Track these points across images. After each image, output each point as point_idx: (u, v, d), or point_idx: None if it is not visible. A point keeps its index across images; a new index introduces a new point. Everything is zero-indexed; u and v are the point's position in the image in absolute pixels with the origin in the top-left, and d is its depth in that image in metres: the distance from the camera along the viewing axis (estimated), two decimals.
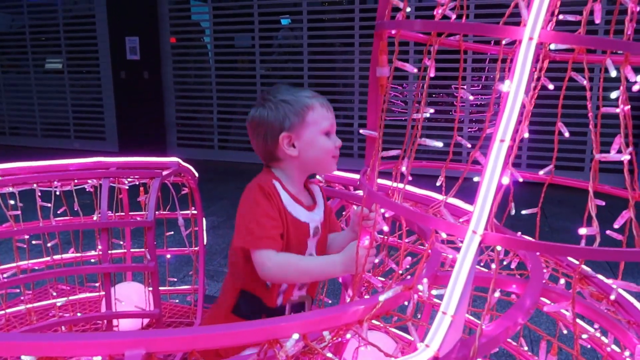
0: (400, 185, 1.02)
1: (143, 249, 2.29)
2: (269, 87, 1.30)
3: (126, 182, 1.98)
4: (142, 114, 6.60)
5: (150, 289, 2.18)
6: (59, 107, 7.31)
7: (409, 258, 0.94)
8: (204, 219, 2.26)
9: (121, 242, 2.26)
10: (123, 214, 2.18)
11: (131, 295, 2.06)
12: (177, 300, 2.45)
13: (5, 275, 1.81)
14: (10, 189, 1.86)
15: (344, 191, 1.70)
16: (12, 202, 1.85)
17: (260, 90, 6.29)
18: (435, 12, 0.95)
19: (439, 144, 0.83)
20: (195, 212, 2.23)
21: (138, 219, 2.16)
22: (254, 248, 1.15)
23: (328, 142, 1.26)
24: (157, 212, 1.99)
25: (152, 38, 6.43)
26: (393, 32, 0.93)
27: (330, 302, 1.73)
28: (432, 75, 0.86)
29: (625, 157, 0.75)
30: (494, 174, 0.72)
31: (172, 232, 2.35)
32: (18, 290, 1.96)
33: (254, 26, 6.18)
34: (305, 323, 0.73)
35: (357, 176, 1.82)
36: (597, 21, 0.83)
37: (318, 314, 0.76)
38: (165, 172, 1.94)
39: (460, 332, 0.67)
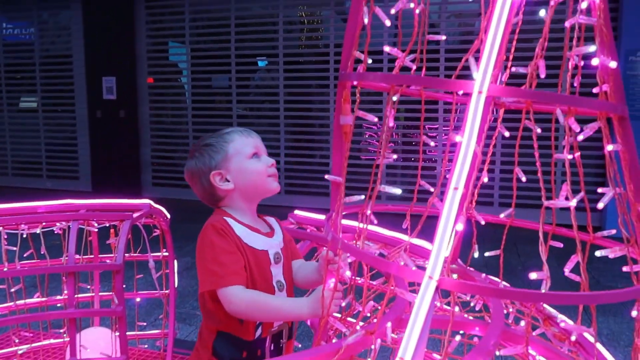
0: (365, 227, 1.05)
1: (111, 293, 2.24)
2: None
3: (96, 224, 1.96)
4: (117, 153, 6.56)
5: (118, 334, 2.12)
6: (32, 145, 7.22)
7: (372, 303, 0.95)
8: (175, 261, 2.23)
9: (89, 286, 2.21)
10: (92, 256, 2.15)
11: (98, 341, 2.00)
12: (146, 345, 2.39)
13: None
14: None
15: (315, 233, 1.72)
16: None
17: None
18: (395, 64, 1.00)
19: (397, 191, 0.86)
20: (166, 254, 2.21)
21: (108, 261, 2.12)
22: (219, 287, 1.15)
23: (258, 164, 1.30)
24: (127, 255, 1.96)
25: (129, 78, 6.47)
26: (355, 82, 0.98)
27: (300, 345, 1.71)
28: (390, 124, 0.90)
29: (572, 204, 0.79)
30: (449, 220, 0.75)
31: (142, 275, 2.31)
32: None
33: (231, 67, 6.29)
34: None
35: (320, 217, 1.85)
36: (542, 76, 0.89)
37: (284, 359, 0.76)
38: (135, 215, 1.93)
39: None
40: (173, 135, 6.63)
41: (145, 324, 2.48)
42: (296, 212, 1.88)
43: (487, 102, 0.91)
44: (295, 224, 1.84)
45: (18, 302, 1.86)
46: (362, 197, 0.94)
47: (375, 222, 1.06)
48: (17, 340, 2.12)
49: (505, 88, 0.80)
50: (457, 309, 1.16)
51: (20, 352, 1.93)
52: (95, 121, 6.60)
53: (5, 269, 1.87)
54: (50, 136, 7.17)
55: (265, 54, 6.40)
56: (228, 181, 1.27)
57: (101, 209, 2.02)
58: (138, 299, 2.24)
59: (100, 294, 2.27)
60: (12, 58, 7.24)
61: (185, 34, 6.45)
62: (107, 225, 2.06)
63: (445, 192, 0.79)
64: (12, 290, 1.84)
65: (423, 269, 0.81)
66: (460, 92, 1.07)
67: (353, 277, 1.08)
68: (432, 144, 1.00)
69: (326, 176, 1.05)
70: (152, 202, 2.08)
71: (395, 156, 1.02)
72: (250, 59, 6.36)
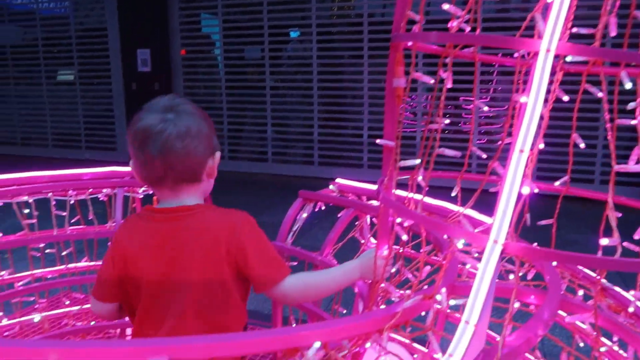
0: (418, 196, 1.03)
1: None
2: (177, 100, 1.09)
3: (140, 191, 2.00)
4: None
5: None
6: (71, 118, 7.40)
7: (428, 267, 0.94)
8: None
9: None
10: None
11: None
12: None
13: (20, 284, 1.83)
14: (26, 198, 1.89)
15: (358, 201, 1.71)
16: (27, 210, 1.87)
17: (269, 102, 6.33)
18: (449, 25, 0.96)
19: (456, 153, 0.83)
20: None
21: None
22: (282, 278, 1.06)
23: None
24: None
25: (163, 50, 6.51)
26: (409, 44, 0.94)
27: (344, 311, 1.73)
28: (449, 86, 0.87)
29: None
30: (514, 184, 0.73)
31: None
32: (32, 299, 1.97)
33: (264, 38, 6.24)
34: (326, 331, 0.74)
35: (369, 186, 1.83)
36: (613, 34, 0.83)
37: (339, 322, 0.76)
38: None
39: (483, 342, 0.67)
40: (206, 107, 6.67)
41: None
42: (338, 180, 1.88)
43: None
44: (337, 192, 1.84)
45: (69, 266, 1.93)
46: (418, 160, 0.92)
47: (427, 188, 1.04)
48: (67, 302, 2.21)
49: (576, 46, 0.76)
50: (511, 276, 1.14)
51: (72, 312, 2.01)
52: (131, 93, 6.69)
53: (55, 233, 1.94)
54: (88, 108, 7.32)
55: (297, 24, 6.32)
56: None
57: None
58: None
59: None
60: (49, 32, 7.37)
61: (217, 6, 6.42)
62: (150, 193, 2.10)
63: (509, 156, 0.76)
64: (64, 253, 1.91)
65: (484, 233, 0.79)
66: (518, 54, 1.03)
67: (403, 244, 1.07)
68: (486, 108, 0.95)
69: (378, 141, 1.03)
70: None
71: (447, 120, 0.99)
72: (282, 30, 6.29)
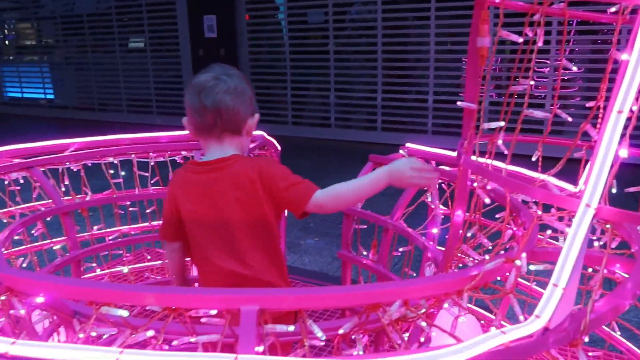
0: (497, 162, 1.01)
1: None
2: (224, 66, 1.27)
3: None
4: None
5: None
6: (143, 84, 7.72)
7: (510, 231, 0.93)
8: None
9: None
10: None
11: None
12: None
13: (109, 238, 1.97)
14: (111, 159, 2.02)
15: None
16: (112, 171, 2.00)
17: (333, 66, 6.29)
18: None
19: (546, 115, 0.81)
20: None
21: None
22: (314, 192, 1.15)
23: None
24: None
25: (228, 16, 6.58)
26: (497, 0, 0.91)
27: (414, 274, 1.74)
28: (540, 44, 0.83)
29: None
30: (611, 145, 0.70)
31: None
32: (120, 252, 2.13)
33: (328, 1, 6.15)
34: (408, 290, 0.75)
35: (439, 151, 1.80)
36: None
37: (420, 281, 0.77)
38: (251, 145, 2.01)
39: (571, 306, 0.66)
40: (271, 72, 6.73)
41: None
42: (408, 144, 1.86)
43: None
44: (406, 156, 1.82)
45: (153, 223, 2.06)
46: (501, 123, 0.89)
47: (506, 152, 1.02)
48: (149, 257, 2.38)
49: None
50: (595, 244, 1.11)
51: (156, 266, 2.15)
52: (198, 60, 6.86)
53: (136, 192, 2.07)
54: (158, 75, 7.59)
55: None
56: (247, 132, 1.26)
57: None
58: None
59: None
60: (121, 0, 7.63)
61: None
62: None
63: (605, 117, 0.73)
64: (148, 211, 2.04)
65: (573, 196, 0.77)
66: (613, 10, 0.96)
67: (479, 209, 1.06)
68: (575, 68, 0.91)
69: (459, 103, 1.01)
70: (265, 134, 2.16)
71: (532, 82, 0.96)
72: None
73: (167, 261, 1.29)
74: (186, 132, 2.17)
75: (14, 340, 0.58)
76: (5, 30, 9.13)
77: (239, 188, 1.18)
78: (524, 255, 0.86)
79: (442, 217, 1.67)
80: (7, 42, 9.18)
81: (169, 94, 7.51)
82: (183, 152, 2.05)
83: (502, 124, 0.89)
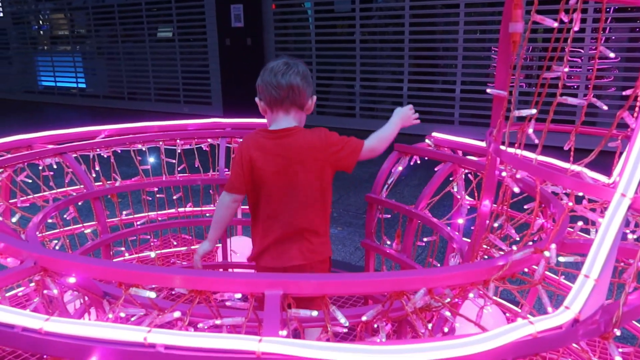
0: (527, 153, 0.98)
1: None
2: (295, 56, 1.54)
3: (240, 141, 2.09)
4: (244, 79, 6.84)
5: None
6: (170, 73, 7.81)
7: (539, 222, 0.91)
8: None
9: None
10: None
11: (243, 248, 2.20)
12: None
13: (138, 223, 2.01)
14: (140, 146, 2.05)
15: (456, 155, 1.67)
16: (140, 158, 2.04)
17: (359, 56, 6.24)
18: None
19: (581, 101, 0.78)
20: None
21: None
22: (363, 142, 1.50)
23: None
24: None
25: (255, 5, 6.59)
26: None
27: (438, 265, 1.73)
28: (576, 29, 0.81)
29: None
30: None
31: None
32: (148, 237, 2.17)
33: None
34: (433, 278, 0.75)
35: (466, 140, 1.77)
36: None
37: (446, 270, 0.77)
38: None
39: (603, 298, 0.64)
40: None
41: None
42: (434, 133, 1.84)
43: None
44: (432, 146, 1.80)
45: (179, 209, 2.09)
46: (533, 110, 0.87)
47: (536, 141, 0.99)
48: (175, 243, 2.42)
49: None
50: (630, 236, 1.08)
51: (183, 251, 2.19)
52: (225, 49, 6.90)
53: (164, 179, 2.10)
54: (186, 64, 7.67)
55: None
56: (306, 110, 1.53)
57: (244, 127, 2.15)
58: None
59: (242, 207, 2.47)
60: None
61: None
62: None
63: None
64: (174, 197, 2.07)
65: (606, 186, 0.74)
66: None
67: (507, 200, 1.04)
68: (612, 55, 0.88)
69: (489, 90, 0.99)
70: None
71: (566, 69, 0.93)
72: None
73: (220, 212, 1.52)
74: (211, 120, 2.20)
75: (47, 317, 0.60)
76: (40, 21, 9.34)
77: (304, 153, 1.44)
78: (553, 246, 0.85)
79: (468, 207, 1.65)
80: (41, 32, 9.40)
81: (196, 83, 7.58)
82: (209, 140, 2.07)
83: (533, 111, 0.87)
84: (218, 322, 0.78)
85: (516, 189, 0.85)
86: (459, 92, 5.73)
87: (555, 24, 0.85)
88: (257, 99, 1.51)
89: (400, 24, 5.94)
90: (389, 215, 1.80)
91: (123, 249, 2.12)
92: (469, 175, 1.67)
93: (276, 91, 1.43)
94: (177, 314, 0.77)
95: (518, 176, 0.85)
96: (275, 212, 1.45)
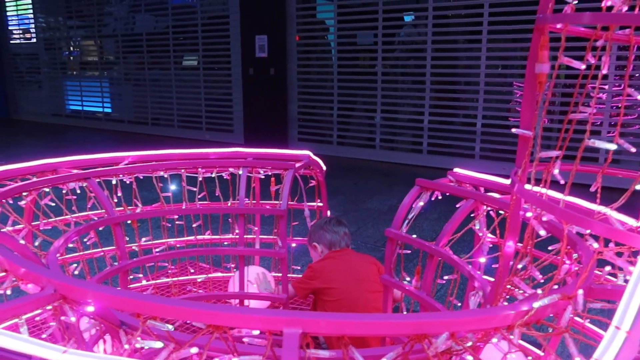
0: (551, 192, 0.97)
1: (270, 236, 2.42)
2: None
3: (261, 172, 2.10)
4: (266, 108, 6.96)
5: (276, 274, 2.29)
6: (194, 100, 7.97)
7: (567, 266, 0.88)
8: (328, 212, 2.32)
9: (252, 228, 2.41)
10: (254, 201, 2.33)
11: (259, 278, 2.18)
12: None
13: (156, 250, 2.02)
14: (162, 173, 2.08)
15: (478, 192, 1.65)
16: (161, 185, 2.06)
17: (380, 88, 6.30)
18: (602, 5, 0.88)
19: (612, 146, 0.77)
20: (321, 204, 2.30)
21: (267, 207, 2.29)
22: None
23: None
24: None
25: (279, 36, 6.74)
26: (558, 26, 0.88)
27: (459, 304, 1.69)
28: (604, 72, 0.80)
29: None
30: None
31: (297, 222, 2.45)
32: (166, 264, 2.17)
33: (378, 23, 6.19)
34: (457, 322, 0.73)
35: (489, 177, 1.75)
36: None
37: (469, 314, 0.75)
38: (297, 164, 2.03)
39: (635, 351, 0.61)
40: (318, 92, 6.82)
41: (299, 267, 2.65)
42: (456, 169, 1.82)
43: None
44: (454, 182, 1.79)
45: (198, 237, 2.10)
46: (559, 152, 0.86)
47: (562, 181, 0.97)
48: (192, 270, 2.42)
49: None
50: None
51: (199, 280, 2.18)
52: (248, 78, 7.03)
53: (183, 207, 2.11)
54: (209, 92, 7.83)
55: (413, 8, 6.18)
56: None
57: (266, 158, 2.16)
58: (293, 245, 2.39)
59: (260, 236, 2.47)
60: (178, 20, 7.96)
61: None
62: (269, 174, 2.21)
63: None
64: (194, 225, 2.08)
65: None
66: None
67: (531, 240, 1.02)
68: None
69: (514, 130, 0.98)
70: (311, 154, 2.17)
71: (593, 110, 0.92)
72: (397, 14, 6.19)
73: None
74: (233, 149, 2.23)
75: (65, 349, 0.59)
76: (71, 47, 9.69)
77: (367, 261, 2.07)
78: (580, 292, 0.82)
79: (490, 246, 1.62)
80: (71, 58, 9.73)
81: (219, 111, 7.72)
82: (230, 169, 2.09)
83: (559, 153, 0.86)
84: (235, 359, 0.77)
85: (542, 232, 0.84)
86: (479, 126, 5.71)
87: (583, 66, 0.85)
88: (314, 244, 2.15)
89: (422, 58, 6.00)
90: (409, 251, 1.77)
91: (140, 275, 2.12)
92: (491, 212, 1.64)
93: (339, 240, 2.12)
94: (194, 350, 0.76)
95: (544, 219, 0.83)
96: None
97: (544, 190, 0.94)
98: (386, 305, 1.71)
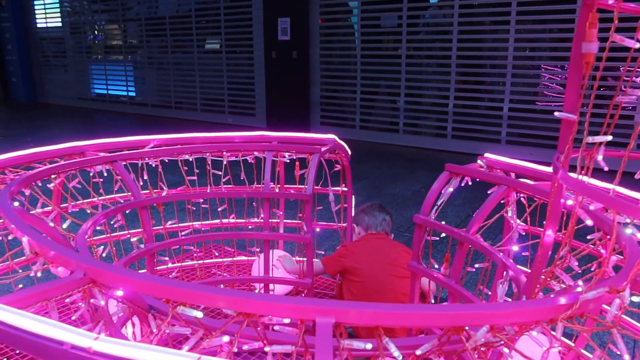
0: (593, 180, 0.92)
1: (294, 220, 2.40)
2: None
3: (286, 156, 2.08)
4: (289, 92, 6.92)
5: (300, 259, 2.27)
6: (216, 84, 7.98)
7: (615, 258, 0.84)
8: (353, 196, 2.29)
9: (276, 212, 2.39)
10: (279, 185, 2.31)
11: (284, 262, 2.17)
12: None
13: (182, 233, 2.02)
14: (187, 157, 2.07)
15: (510, 178, 1.59)
16: (186, 168, 2.06)
17: (404, 71, 6.19)
18: None
19: None
20: (345, 189, 2.27)
21: (292, 191, 2.27)
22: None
23: None
24: None
25: (302, 19, 6.66)
26: (610, 1, 0.82)
27: (489, 292, 1.65)
28: None
29: None
30: None
31: (322, 207, 2.43)
32: (191, 247, 2.18)
33: (402, 5, 6.06)
34: (498, 314, 0.69)
35: (521, 162, 1.70)
36: None
37: (511, 306, 0.71)
38: (323, 149, 2.00)
39: None
40: (341, 76, 6.74)
41: (323, 252, 2.64)
42: (487, 154, 1.77)
43: None
44: (485, 167, 1.73)
45: (224, 220, 2.10)
46: (609, 137, 0.81)
47: (606, 168, 0.92)
48: (217, 254, 2.42)
49: None
50: None
51: (225, 263, 2.18)
52: (271, 61, 6.99)
53: (208, 190, 2.11)
54: (232, 75, 7.82)
55: None
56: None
57: (291, 142, 2.14)
58: (318, 229, 2.37)
59: (285, 221, 2.45)
60: (200, 3, 7.94)
61: None
62: (294, 158, 2.18)
63: None
64: (219, 209, 2.07)
65: None
66: None
67: (571, 231, 0.97)
68: None
69: (557, 114, 0.93)
70: (336, 138, 2.14)
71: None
72: None
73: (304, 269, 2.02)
74: (258, 133, 2.21)
75: (97, 336, 0.58)
76: (95, 31, 9.77)
77: (399, 247, 2.09)
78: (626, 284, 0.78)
79: (523, 233, 1.57)
80: (96, 42, 9.82)
81: (241, 95, 7.71)
82: (255, 153, 2.07)
83: (608, 138, 0.81)
84: (267, 349, 0.75)
85: (589, 222, 0.79)
86: (506, 110, 5.58)
87: (638, 45, 0.79)
88: (354, 225, 2.21)
89: (448, 40, 5.87)
90: (438, 238, 1.73)
91: (166, 258, 2.13)
92: (522, 199, 1.59)
93: (379, 222, 2.15)
94: (225, 339, 0.75)
95: (592, 207, 0.79)
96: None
97: (586, 179, 0.89)
98: (413, 293, 1.68)
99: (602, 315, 0.93)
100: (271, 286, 2.06)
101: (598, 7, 0.88)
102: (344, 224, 2.32)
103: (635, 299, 0.89)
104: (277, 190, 2.10)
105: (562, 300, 0.74)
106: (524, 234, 1.55)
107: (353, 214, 2.26)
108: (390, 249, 2.05)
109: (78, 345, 0.59)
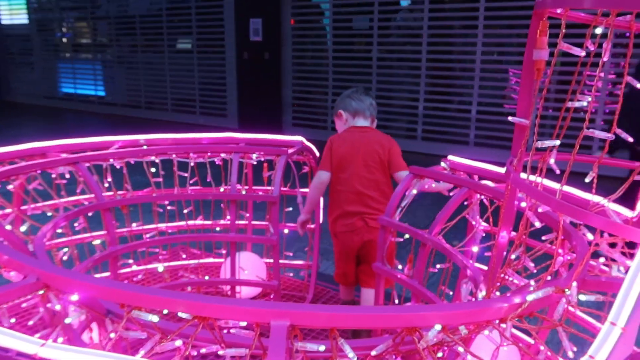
0: (548, 182, 0.95)
1: (262, 222, 2.40)
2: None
3: (254, 157, 2.08)
4: (261, 93, 6.89)
5: (268, 260, 2.27)
6: (188, 84, 7.88)
7: (561, 258, 0.87)
8: (321, 198, 2.30)
9: (244, 214, 2.39)
10: (247, 187, 2.30)
11: (251, 265, 2.17)
12: (291, 274, 2.54)
13: (147, 236, 2.00)
14: (153, 158, 2.05)
15: (472, 180, 1.63)
16: (153, 169, 2.03)
17: (375, 73, 6.24)
18: None
19: (609, 135, 0.75)
20: None
21: (260, 193, 2.26)
22: (405, 169, 1.98)
23: None
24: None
25: (274, 20, 6.65)
26: (558, 11, 0.85)
27: (450, 292, 1.68)
28: (605, 59, 0.78)
29: None
30: None
31: (291, 208, 2.43)
32: (157, 250, 2.15)
33: (374, 7, 6.12)
34: (448, 314, 0.71)
35: (484, 165, 1.73)
36: None
37: (461, 306, 0.73)
38: (290, 150, 2.00)
39: (631, 347, 0.60)
40: (313, 77, 6.75)
41: (291, 254, 2.64)
42: (450, 157, 1.80)
43: None
44: (448, 169, 1.77)
45: (189, 223, 2.08)
46: (557, 141, 0.84)
47: (558, 171, 0.96)
48: (184, 256, 2.40)
49: None
50: None
51: (191, 266, 2.16)
52: (242, 62, 6.95)
53: (175, 192, 2.09)
54: (203, 76, 7.74)
55: None
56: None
57: (258, 144, 2.13)
58: (286, 231, 2.37)
59: (252, 222, 2.45)
60: (172, 2, 7.83)
61: None
62: (262, 160, 2.18)
63: None
64: (185, 211, 2.05)
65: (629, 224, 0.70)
66: None
67: (526, 232, 1.00)
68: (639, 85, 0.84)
69: (510, 118, 0.96)
70: (304, 140, 2.14)
71: (589, 98, 0.89)
72: None
73: (314, 190, 2.03)
74: (226, 134, 2.19)
75: (43, 342, 0.57)
76: (64, 29, 9.53)
77: (377, 145, 2.01)
78: (574, 284, 0.81)
79: (483, 234, 1.61)
80: (64, 40, 9.58)
81: (213, 95, 7.64)
82: (222, 155, 2.06)
83: (557, 142, 0.84)
84: (222, 352, 0.75)
85: (537, 223, 0.82)
86: (474, 113, 5.69)
87: (583, 53, 0.82)
88: (340, 112, 2.12)
89: (418, 43, 5.94)
90: (402, 239, 1.76)
91: (131, 260, 2.10)
92: (485, 200, 1.62)
93: (364, 104, 2.10)
94: (178, 343, 0.74)
95: (540, 210, 0.81)
96: (349, 183, 1.98)
97: (539, 180, 0.92)
98: (378, 290, 1.70)
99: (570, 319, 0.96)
100: (238, 288, 2.05)
101: (548, 15, 0.91)
102: (312, 225, 2.33)
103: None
104: (244, 192, 2.09)
105: (512, 301, 0.76)
106: (484, 235, 1.59)
107: (336, 102, 2.19)
108: (370, 145, 2.02)
109: (24, 352, 0.58)
